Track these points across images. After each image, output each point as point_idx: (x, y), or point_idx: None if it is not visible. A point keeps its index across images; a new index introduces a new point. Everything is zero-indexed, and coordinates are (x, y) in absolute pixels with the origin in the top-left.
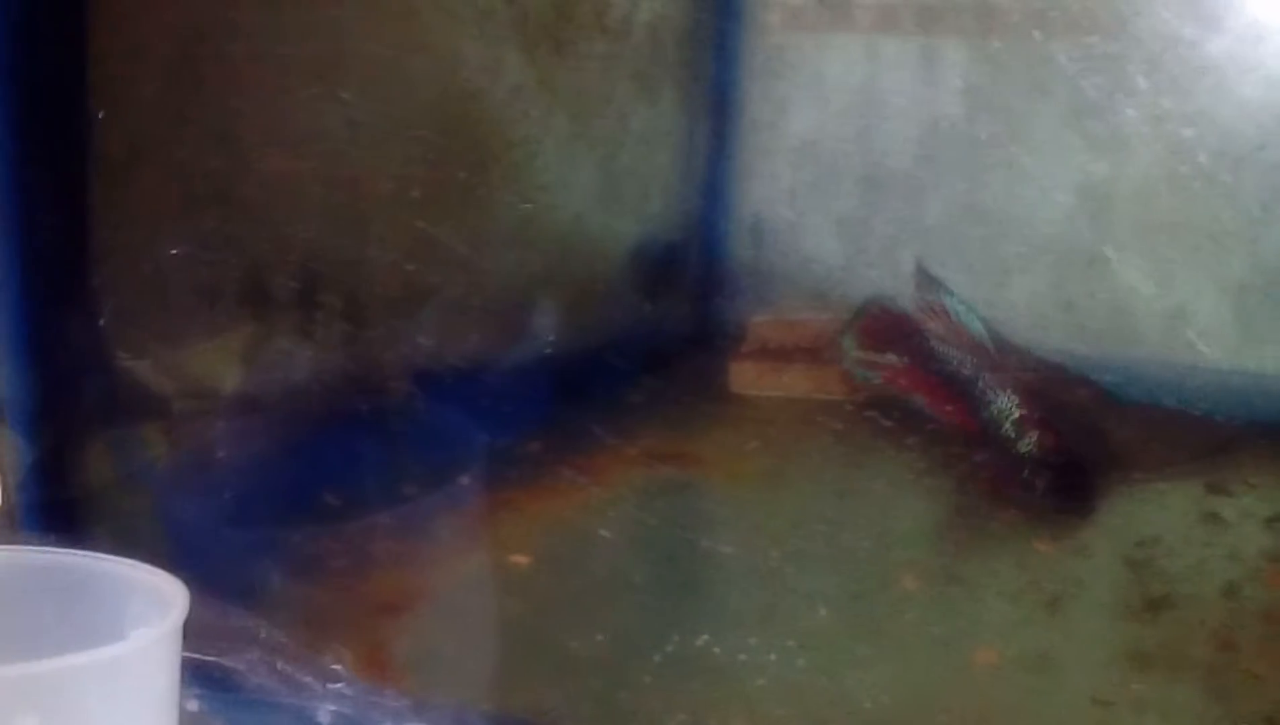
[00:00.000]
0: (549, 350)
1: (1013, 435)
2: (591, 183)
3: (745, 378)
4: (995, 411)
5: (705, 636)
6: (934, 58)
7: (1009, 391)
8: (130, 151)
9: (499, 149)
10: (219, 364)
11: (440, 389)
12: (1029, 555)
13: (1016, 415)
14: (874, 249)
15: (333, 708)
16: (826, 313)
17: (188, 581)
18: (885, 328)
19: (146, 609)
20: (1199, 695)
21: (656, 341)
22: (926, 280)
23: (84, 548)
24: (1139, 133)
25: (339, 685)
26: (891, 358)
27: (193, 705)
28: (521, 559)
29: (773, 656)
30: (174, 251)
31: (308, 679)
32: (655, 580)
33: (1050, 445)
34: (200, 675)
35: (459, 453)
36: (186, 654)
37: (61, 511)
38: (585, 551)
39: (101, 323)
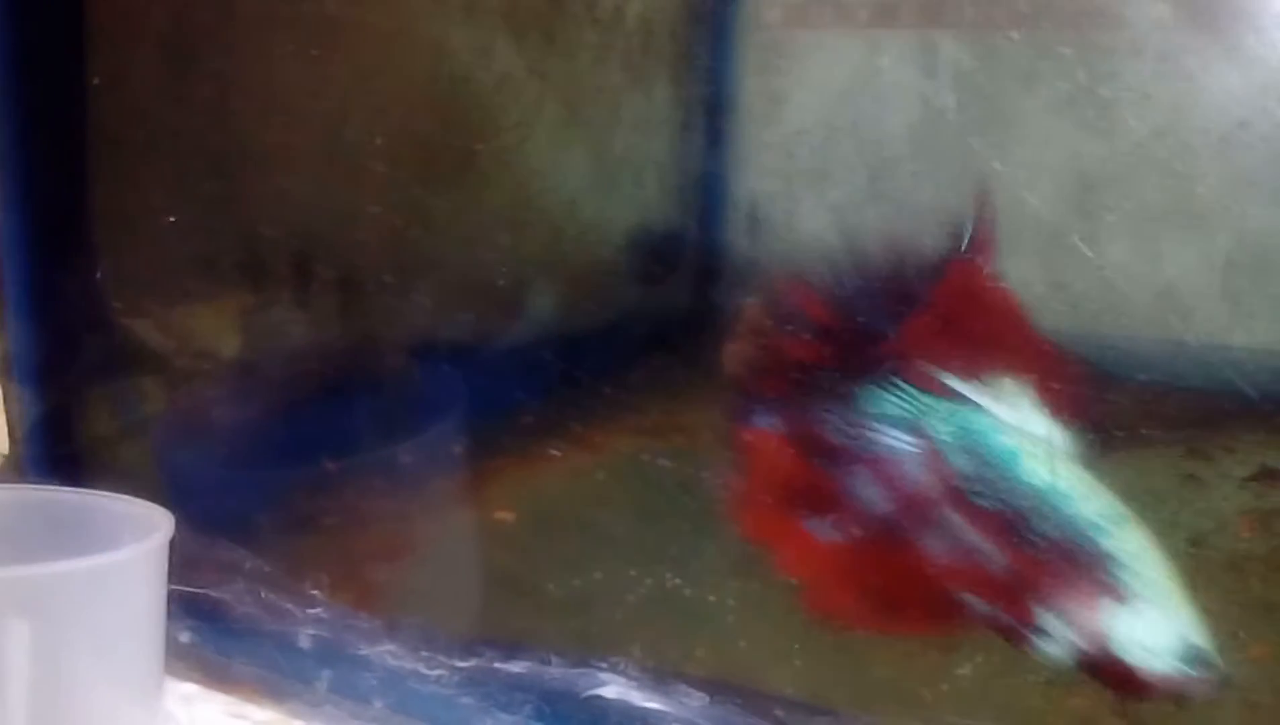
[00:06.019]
0: (545, 329)
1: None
2: (585, 169)
3: (738, 359)
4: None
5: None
6: (929, 49)
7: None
8: (128, 119)
9: (489, 133)
10: (216, 326)
11: (436, 361)
12: None
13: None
14: (868, 234)
15: (312, 632)
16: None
17: (179, 521)
18: None
19: (137, 536)
20: None
21: (653, 324)
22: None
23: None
24: (1126, 116)
25: (317, 610)
26: None
27: (184, 637)
28: (506, 516)
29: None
30: (171, 217)
31: (289, 606)
32: (634, 534)
33: None
34: (191, 608)
35: (452, 422)
36: (179, 587)
37: (64, 460)
38: (569, 510)
39: (101, 282)
